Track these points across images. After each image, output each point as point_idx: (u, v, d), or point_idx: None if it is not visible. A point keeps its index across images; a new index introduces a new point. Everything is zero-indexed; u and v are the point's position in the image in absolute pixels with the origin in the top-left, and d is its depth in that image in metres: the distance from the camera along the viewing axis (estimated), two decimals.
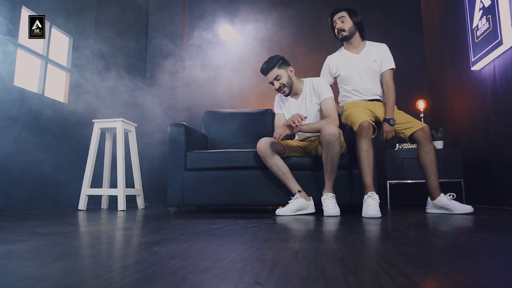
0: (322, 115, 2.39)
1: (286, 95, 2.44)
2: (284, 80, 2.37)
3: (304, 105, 2.42)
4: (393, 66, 2.40)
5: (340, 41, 2.48)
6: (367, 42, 2.48)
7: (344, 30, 2.40)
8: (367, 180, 2.11)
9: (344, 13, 2.41)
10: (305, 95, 2.43)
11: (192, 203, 2.61)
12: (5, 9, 2.61)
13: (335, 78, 2.52)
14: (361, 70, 2.41)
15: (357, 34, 2.43)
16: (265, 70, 2.38)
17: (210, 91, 4.55)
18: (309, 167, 2.45)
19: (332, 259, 0.84)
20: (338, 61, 2.48)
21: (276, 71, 2.36)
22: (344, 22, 2.39)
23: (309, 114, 2.41)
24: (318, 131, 2.23)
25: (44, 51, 3.06)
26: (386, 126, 2.28)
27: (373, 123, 2.22)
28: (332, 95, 2.38)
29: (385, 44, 2.46)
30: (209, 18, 4.68)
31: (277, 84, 2.38)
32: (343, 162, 2.35)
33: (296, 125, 2.15)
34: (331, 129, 2.09)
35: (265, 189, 2.50)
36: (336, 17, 2.43)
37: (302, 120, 2.15)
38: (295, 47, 4.46)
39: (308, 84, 2.45)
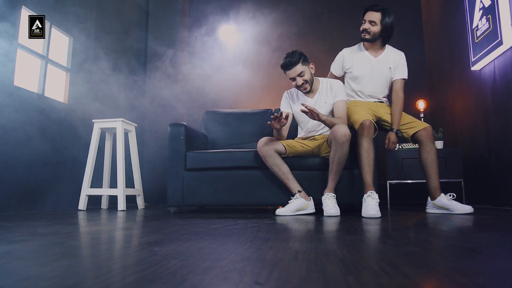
0: (333, 117, 2.38)
1: (307, 92, 2.38)
2: (307, 76, 2.30)
3: (318, 105, 2.40)
4: (405, 76, 2.38)
5: (361, 40, 2.41)
6: (387, 46, 2.44)
7: (368, 33, 2.32)
8: (367, 179, 2.11)
9: (378, 16, 2.29)
10: (320, 95, 2.41)
11: (192, 203, 2.61)
12: (5, 9, 2.61)
13: (345, 72, 2.49)
14: (374, 74, 2.39)
15: (379, 40, 2.37)
16: (289, 64, 2.25)
17: (210, 91, 4.55)
18: (309, 167, 2.45)
19: (332, 259, 0.84)
20: (354, 58, 2.43)
21: (300, 67, 2.26)
22: (373, 25, 2.30)
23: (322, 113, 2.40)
24: (331, 127, 2.22)
25: (44, 51, 3.06)
26: (393, 136, 2.27)
27: (374, 123, 2.22)
28: (347, 100, 2.38)
29: (403, 53, 2.43)
30: (209, 18, 4.68)
31: (300, 81, 2.29)
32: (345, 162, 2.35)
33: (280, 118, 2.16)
34: (344, 130, 2.09)
35: (265, 189, 2.50)
36: (367, 17, 2.31)
37: (285, 116, 2.17)
38: (295, 46, 4.45)
39: (325, 84, 2.42)
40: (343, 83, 2.52)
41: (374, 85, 2.40)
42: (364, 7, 2.39)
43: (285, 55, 2.29)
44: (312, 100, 2.42)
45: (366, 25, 2.32)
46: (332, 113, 2.39)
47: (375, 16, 2.30)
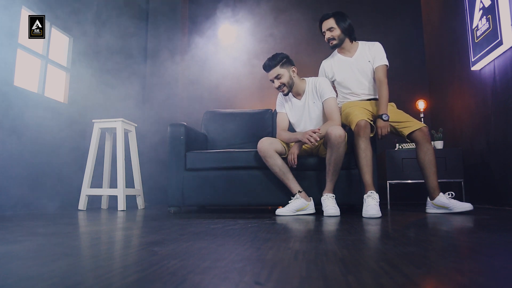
0: (326, 116, 2.38)
1: (285, 94, 2.40)
2: (284, 79, 2.32)
3: (307, 106, 2.40)
4: (385, 62, 2.37)
5: (331, 48, 2.48)
6: (360, 42, 2.46)
7: (334, 39, 2.40)
8: (366, 179, 2.11)
9: (332, 22, 2.38)
10: (308, 96, 2.40)
11: (192, 203, 2.61)
12: (5, 9, 2.61)
13: (333, 82, 2.51)
14: (356, 73, 2.40)
15: (347, 39, 2.42)
16: (267, 67, 2.33)
17: (210, 91, 4.55)
18: (309, 167, 2.45)
19: (332, 259, 0.84)
20: (333, 66, 2.47)
21: (277, 70, 2.31)
22: (332, 31, 2.38)
23: (312, 115, 2.39)
24: (323, 136, 2.22)
25: (44, 51, 3.06)
26: (379, 122, 2.25)
27: (371, 122, 2.21)
28: (334, 95, 2.36)
29: (378, 43, 2.43)
30: (210, 18, 4.69)
31: (277, 83, 2.34)
32: (343, 162, 2.34)
33: (313, 143, 2.15)
34: (338, 131, 2.08)
35: (265, 189, 2.50)
36: (324, 28, 2.41)
37: (317, 137, 2.14)
38: (296, 46, 4.46)
39: (310, 84, 2.41)
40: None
41: (360, 84, 2.41)
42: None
43: (268, 58, 2.35)
44: (300, 102, 2.42)
45: (327, 35, 2.41)
46: (323, 112, 2.38)
47: (329, 23, 2.39)
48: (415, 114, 2.94)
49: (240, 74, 4.50)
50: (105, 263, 0.85)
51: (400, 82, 3.94)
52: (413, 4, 4.42)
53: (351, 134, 2.30)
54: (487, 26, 2.74)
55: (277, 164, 2.30)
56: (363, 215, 2.02)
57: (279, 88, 2.36)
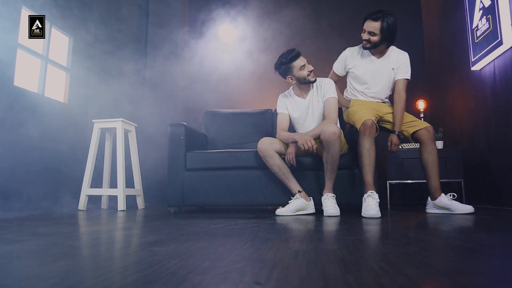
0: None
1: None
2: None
3: (311, 105, 2.41)
4: (408, 76, 2.34)
5: (363, 48, 2.37)
6: (391, 47, 2.38)
7: (369, 43, 2.28)
8: (367, 178, 2.10)
9: (377, 27, 2.21)
10: (313, 95, 2.42)
11: (192, 203, 2.61)
12: (5, 9, 2.61)
13: (348, 72, 2.46)
14: (376, 76, 2.36)
15: (382, 45, 2.30)
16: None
17: (210, 91, 4.55)
18: (309, 167, 2.45)
19: (332, 259, 0.84)
20: (357, 59, 2.40)
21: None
22: (373, 36, 2.25)
23: (315, 113, 2.40)
24: (318, 135, 2.23)
25: (44, 51, 3.06)
26: (394, 139, 2.25)
27: (376, 123, 2.21)
28: (336, 96, 2.37)
29: (407, 54, 2.38)
30: (209, 17, 4.69)
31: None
32: (344, 162, 2.35)
33: (306, 149, 2.17)
34: (332, 129, 2.09)
35: (265, 189, 2.50)
36: (366, 27, 2.25)
37: (313, 147, 2.16)
38: (296, 44, 4.45)
39: (315, 83, 2.42)
40: (346, 82, 2.52)
41: (377, 87, 2.38)
42: (364, 9, 2.36)
43: (288, 51, 2.31)
44: (305, 101, 2.43)
45: (365, 36, 2.28)
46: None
47: (374, 26, 2.23)
48: (415, 114, 2.93)
49: (240, 74, 4.50)
50: (105, 263, 0.85)
51: None
52: (413, 4, 4.42)
53: (352, 134, 2.30)
54: (487, 26, 2.74)
55: (277, 164, 2.30)
56: (363, 214, 2.02)
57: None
